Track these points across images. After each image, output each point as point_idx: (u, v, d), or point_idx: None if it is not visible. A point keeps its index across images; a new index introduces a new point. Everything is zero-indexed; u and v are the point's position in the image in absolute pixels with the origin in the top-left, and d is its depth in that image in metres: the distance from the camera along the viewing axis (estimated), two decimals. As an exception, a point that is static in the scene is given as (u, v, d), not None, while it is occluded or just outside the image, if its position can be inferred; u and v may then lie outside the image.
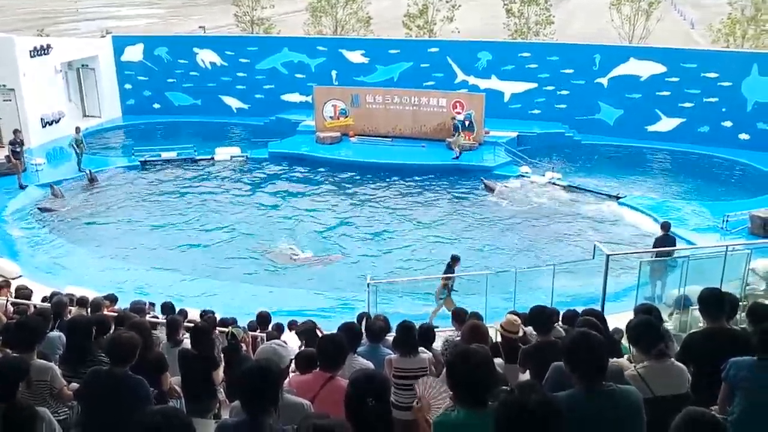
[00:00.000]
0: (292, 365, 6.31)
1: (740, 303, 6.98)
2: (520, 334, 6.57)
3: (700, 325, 5.76)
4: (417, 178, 23.02)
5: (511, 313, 7.23)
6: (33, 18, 58.56)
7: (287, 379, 5.03)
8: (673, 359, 4.85)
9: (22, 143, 22.04)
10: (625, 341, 8.83)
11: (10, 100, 25.19)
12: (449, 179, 22.84)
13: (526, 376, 5.75)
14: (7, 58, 24.75)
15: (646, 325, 4.84)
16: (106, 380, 4.98)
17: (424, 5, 33.41)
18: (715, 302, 5.40)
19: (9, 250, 17.38)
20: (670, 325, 10.06)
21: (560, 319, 7.82)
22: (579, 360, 3.79)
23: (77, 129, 23.71)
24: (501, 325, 6.60)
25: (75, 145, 23.21)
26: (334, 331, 6.00)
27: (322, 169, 23.98)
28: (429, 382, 4.46)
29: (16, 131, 22.17)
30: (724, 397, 4.65)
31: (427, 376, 5.03)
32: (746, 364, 4.53)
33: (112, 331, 6.77)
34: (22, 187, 21.31)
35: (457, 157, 23.64)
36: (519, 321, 6.63)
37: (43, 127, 26.04)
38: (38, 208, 20.36)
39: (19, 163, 21.60)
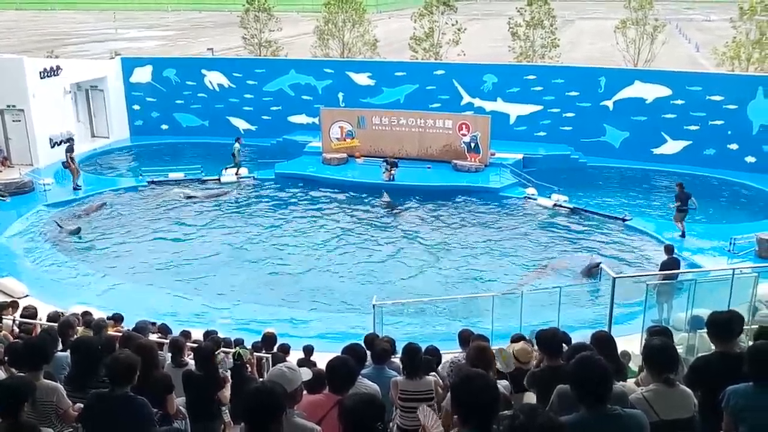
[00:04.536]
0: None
1: (746, 326, 6.94)
2: (532, 364, 6.14)
3: (712, 347, 5.70)
4: (422, 199, 23.05)
5: (523, 339, 7.06)
6: (43, 39, 59.27)
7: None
8: (678, 383, 4.81)
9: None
10: (632, 365, 8.83)
11: (20, 121, 25.47)
12: (455, 200, 22.85)
13: (532, 398, 5.70)
14: (17, 79, 25.06)
15: (670, 349, 4.79)
16: (107, 402, 4.97)
17: (430, 28, 33.69)
18: (724, 326, 5.36)
19: (16, 270, 17.42)
20: (679, 348, 10.00)
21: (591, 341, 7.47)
22: (583, 384, 3.78)
23: (238, 139, 25.35)
24: (513, 353, 6.15)
25: (235, 154, 24.88)
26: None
27: (328, 190, 24.06)
28: (427, 412, 4.43)
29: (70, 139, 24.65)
30: (728, 426, 4.59)
31: (425, 405, 4.98)
32: (743, 392, 4.49)
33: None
34: (76, 188, 23.54)
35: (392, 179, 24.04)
36: (532, 351, 6.20)
37: (52, 147, 26.16)
38: (55, 221, 20.69)
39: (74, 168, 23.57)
